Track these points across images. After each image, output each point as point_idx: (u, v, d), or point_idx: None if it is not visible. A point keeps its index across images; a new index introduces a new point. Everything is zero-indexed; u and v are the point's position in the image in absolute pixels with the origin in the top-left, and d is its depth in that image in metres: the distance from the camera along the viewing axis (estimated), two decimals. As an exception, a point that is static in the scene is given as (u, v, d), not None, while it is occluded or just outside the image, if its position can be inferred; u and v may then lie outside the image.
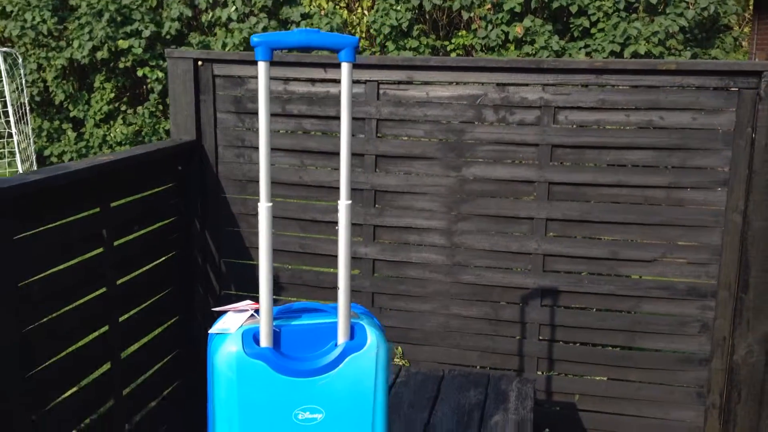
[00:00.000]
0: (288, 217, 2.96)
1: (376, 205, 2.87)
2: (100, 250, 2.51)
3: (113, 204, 2.57)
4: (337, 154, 2.86)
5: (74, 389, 2.44)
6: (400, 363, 2.85)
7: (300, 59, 2.87)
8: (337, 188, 2.87)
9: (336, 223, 2.85)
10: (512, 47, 8.02)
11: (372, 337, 1.40)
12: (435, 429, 1.94)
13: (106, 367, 2.61)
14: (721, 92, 2.53)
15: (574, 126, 2.66)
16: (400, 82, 2.79)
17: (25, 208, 2.13)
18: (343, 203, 1.39)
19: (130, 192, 2.71)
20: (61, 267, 2.33)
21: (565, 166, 2.69)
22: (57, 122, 9.60)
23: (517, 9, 7.83)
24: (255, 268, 2.96)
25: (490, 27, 8.03)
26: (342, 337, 1.39)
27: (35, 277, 2.20)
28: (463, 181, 2.78)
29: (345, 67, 1.35)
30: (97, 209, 2.48)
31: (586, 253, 2.71)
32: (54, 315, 2.29)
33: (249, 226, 3.00)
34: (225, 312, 1.45)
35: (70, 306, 2.37)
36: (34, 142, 9.13)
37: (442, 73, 2.73)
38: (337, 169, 2.87)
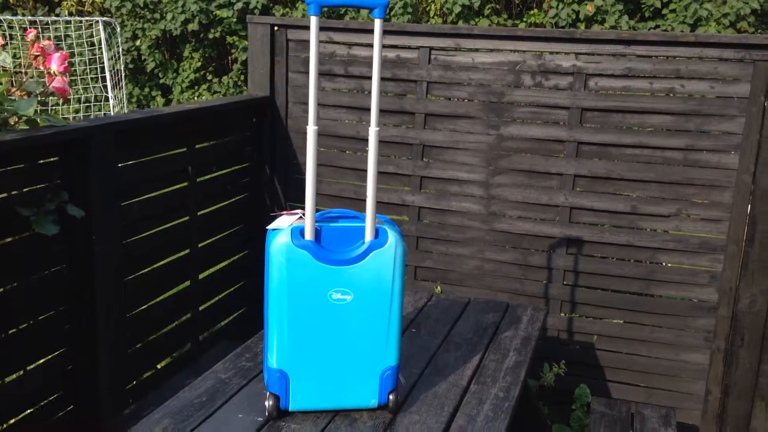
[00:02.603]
0: (345, 167, 3.35)
1: (424, 159, 3.23)
2: (185, 184, 2.97)
3: (197, 146, 3.02)
4: (390, 111, 3.24)
5: (159, 299, 2.92)
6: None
7: (363, 27, 3.25)
8: (389, 142, 3.25)
9: (388, 173, 3.26)
10: (582, 26, 8.17)
11: (392, 237, 1.78)
12: (454, 337, 2.31)
13: (186, 284, 3.08)
14: (737, 63, 2.77)
15: (603, 92, 2.95)
16: (448, 49, 3.14)
17: (125, 141, 2.59)
18: (373, 129, 1.76)
19: (212, 137, 3.16)
20: (154, 194, 2.80)
21: (592, 128, 2.98)
22: (147, 89, 10.30)
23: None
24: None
25: (561, 6, 8.19)
26: (368, 237, 1.78)
27: (134, 200, 2.68)
28: (501, 139, 3.11)
29: (377, 22, 1.73)
30: (184, 149, 2.94)
31: (608, 207, 3.00)
32: (147, 233, 2.77)
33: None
34: (280, 215, 1.85)
35: (160, 228, 2.84)
36: (127, 107, 9.84)
37: (486, 41, 3.06)
38: (388, 125, 3.24)
